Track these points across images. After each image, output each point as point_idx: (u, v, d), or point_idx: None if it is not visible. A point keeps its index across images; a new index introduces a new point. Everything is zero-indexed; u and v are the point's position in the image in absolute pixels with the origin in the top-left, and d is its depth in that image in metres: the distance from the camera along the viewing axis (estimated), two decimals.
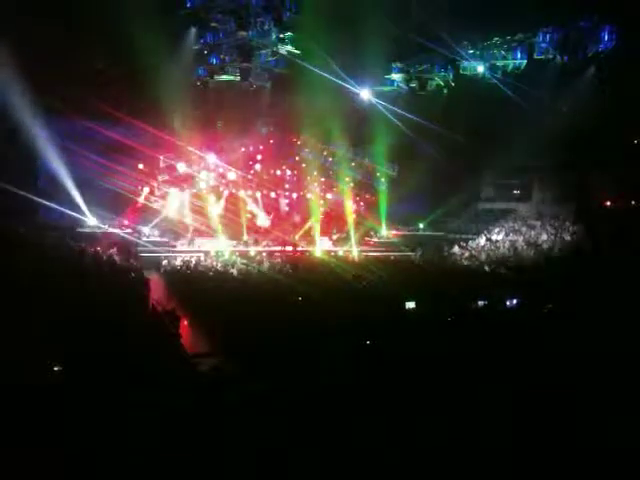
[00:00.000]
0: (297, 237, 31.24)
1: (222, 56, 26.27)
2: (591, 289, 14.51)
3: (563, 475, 5.43)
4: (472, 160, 28.23)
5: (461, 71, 26.13)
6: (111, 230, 27.94)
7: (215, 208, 31.32)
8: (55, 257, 18.45)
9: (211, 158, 31.10)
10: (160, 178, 30.04)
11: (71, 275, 15.26)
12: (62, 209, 27.08)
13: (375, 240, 32.46)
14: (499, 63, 25.72)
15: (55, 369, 7.49)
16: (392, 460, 5.37)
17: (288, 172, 32.95)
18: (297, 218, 32.74)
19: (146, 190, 29.99)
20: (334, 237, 31.68)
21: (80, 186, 27.66)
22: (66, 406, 5.91)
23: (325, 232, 32.33)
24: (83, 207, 27.91)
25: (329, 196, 33.43)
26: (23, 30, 20.88)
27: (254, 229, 31.56)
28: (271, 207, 32.76)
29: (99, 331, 8.94)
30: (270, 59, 26.22)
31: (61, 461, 4.95)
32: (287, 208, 33.25)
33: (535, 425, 6.15)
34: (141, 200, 29.99)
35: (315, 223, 32.55)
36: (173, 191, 30.59)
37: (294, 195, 32.99)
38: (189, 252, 27.28)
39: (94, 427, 5.46)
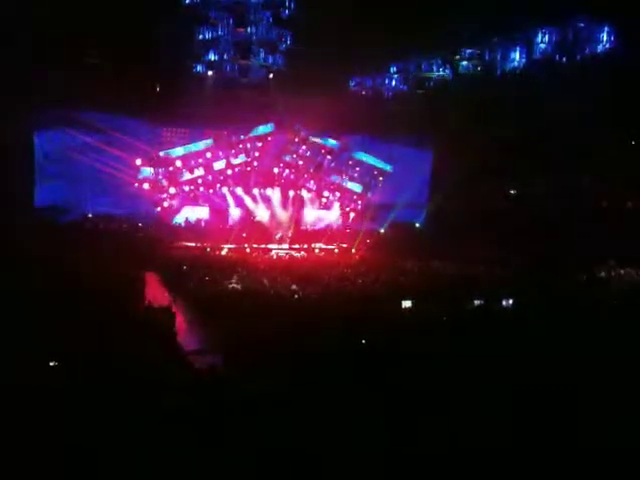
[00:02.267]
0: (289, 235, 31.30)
1: (220, 52, 26.17)
2: None
3: (563, 475, 5.43)
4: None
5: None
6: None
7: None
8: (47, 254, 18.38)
9: (208, 154, 31.07)
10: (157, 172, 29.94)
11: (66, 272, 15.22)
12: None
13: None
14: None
15: (51, 364, 7.45)
16: (391, 460, 5.36)
17: (287, 170, 32.88)
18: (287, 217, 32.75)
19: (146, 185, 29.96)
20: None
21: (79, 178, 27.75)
22: (64, 406, 5.88)
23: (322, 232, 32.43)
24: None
25: (326, 194, 33.40)
26: (18, 23, 20.75)
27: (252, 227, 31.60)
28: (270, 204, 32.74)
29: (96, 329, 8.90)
30: (269, 56, 26.15)
31: (61, 461, 4.92)
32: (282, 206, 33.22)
33: (535, 425, 6.15)
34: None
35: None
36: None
37: (290, 193, 32.94)
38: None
39: (93, 426, 5.43)
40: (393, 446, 5.49)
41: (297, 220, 32.69)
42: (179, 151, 30.52)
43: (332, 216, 33.56)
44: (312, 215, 33.16)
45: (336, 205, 33.73)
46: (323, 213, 33.42)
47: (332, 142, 32.53)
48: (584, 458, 5.54)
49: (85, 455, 4.99)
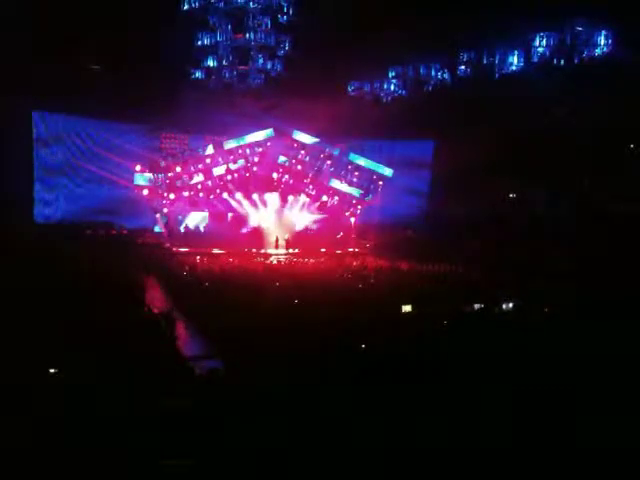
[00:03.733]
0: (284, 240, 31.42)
1: (219, 58, 26.26)
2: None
3: (563, 475, 5.43)
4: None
5: None
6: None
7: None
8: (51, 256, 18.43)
9: (208, 159, 31.14)
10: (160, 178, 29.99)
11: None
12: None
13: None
14: None
15: (51, 371, 7.45)
16: (390, 462, 5.37)
17: (286, 176, 32.95)
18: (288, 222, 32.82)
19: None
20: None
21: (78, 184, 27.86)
22: (65, 408, 5.89)
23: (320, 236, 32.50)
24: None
25: (325, 198, 33.46)
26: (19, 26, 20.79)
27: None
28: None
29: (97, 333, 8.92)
30: (268, 61, 26.25)
31: (61, 461, 4.93)
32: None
33: (535, 425, 6.15)
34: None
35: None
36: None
37: (290, 198, 33.04)
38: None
39: (93, 429, 5.44)
40: (392, 448, 5.50)
41: (296, 224, 32.78)
42: (182, 157, 30.66)
43: (328, 220, 33.68)
44: (310, 219, 33.25)
45: (333, 209, 33.89)
46: (320, 217, 33.50)
47: (331, 147, 32.63)
48: (584, 459, 5.55)
49: (85, 457, 5.00)
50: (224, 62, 25.74)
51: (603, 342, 9.38)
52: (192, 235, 30.46)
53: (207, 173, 31.11)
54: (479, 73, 25.81)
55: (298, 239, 31.80)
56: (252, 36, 24.65)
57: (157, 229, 30.80)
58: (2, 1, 19.70)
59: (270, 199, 32.78)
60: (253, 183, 32.56)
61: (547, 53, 23.72)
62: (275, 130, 31.53)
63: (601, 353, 8.79)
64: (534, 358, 8.72)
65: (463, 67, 26.06)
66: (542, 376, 7.79)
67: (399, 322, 13.19)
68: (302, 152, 32.43)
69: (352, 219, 34.01)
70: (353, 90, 28.91)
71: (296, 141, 32.27)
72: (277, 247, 30.97)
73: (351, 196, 33.52)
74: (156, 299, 17.32)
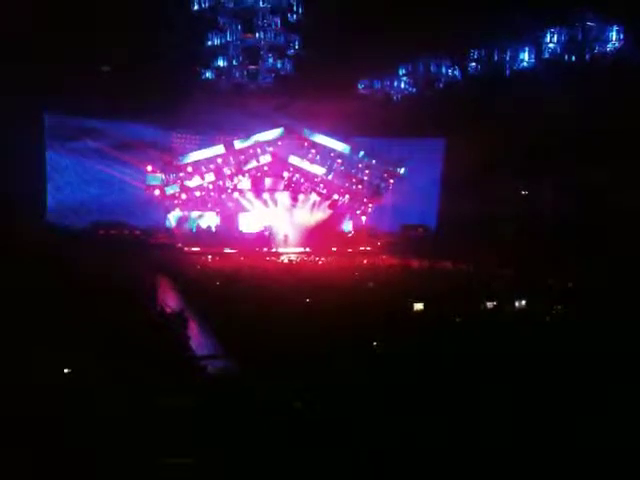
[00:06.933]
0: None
1: (229, 58, 26.27)
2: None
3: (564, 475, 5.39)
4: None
5: None
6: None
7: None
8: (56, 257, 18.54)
9: (219, 159, 31.21)
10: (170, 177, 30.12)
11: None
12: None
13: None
14: None
15: (65, 371, 7.49)
16: (396, 460, 5.36)
17: (297, 175, 32.98)
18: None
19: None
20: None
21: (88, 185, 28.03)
22: (71, 407, 5.92)
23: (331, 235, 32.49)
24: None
25: (336, 197, 33.45)
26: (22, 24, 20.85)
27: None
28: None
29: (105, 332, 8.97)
30: (277, 61, 26.21)
31: (63, 462, 4.95)
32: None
33: (536, 426, 6.12)
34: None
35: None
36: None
37: (300, 197, 33.09)
38: None
39: (98, 428, 5.46)
40: (402, 448, 5.49)
41: (307, 223, 32.80)
42: (193, 157, 30.77)
43: (339, 218, 33.70)
44: (321, 218, 33.26)
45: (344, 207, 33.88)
46: (331, 215, 33.50)
47: (342, 145, 32.63)
48: (584, 458, 5.51)
49: (89, 456, 5.03)
50: (234, 62, 25.72)
51: (615, 342, 9.33)
52: (204, 235, 30.59)
53: (218, 173, 31.21)
54: (490, 70, 25.64)
55: (309, 238, 31.82)
56: (262, 35, 24.62)
57: (168, 229, 30.96)
58: (12, 1, 19.75)
59: (281, 198, 32.83)
60: (264, 182, 32.67)
61: (558, 50, 23.51)
62: (285, 129, 31.58)
63: (612, 352, 8.74)
64: (546, 357, 8.67)
65: (474, 64, 25.88)
66: (553, 375, 7.74)
67: (411, 320, 13.17)
68: (313, 151, 32.44)
69: (363, 218, 34.00)
70: (363, 88, 28.81)
71: (306, 140, 32.29)
72: (291, 246, 31.04)
73: (362, 194, 33.49)
74: (168, 298, 17.40)
